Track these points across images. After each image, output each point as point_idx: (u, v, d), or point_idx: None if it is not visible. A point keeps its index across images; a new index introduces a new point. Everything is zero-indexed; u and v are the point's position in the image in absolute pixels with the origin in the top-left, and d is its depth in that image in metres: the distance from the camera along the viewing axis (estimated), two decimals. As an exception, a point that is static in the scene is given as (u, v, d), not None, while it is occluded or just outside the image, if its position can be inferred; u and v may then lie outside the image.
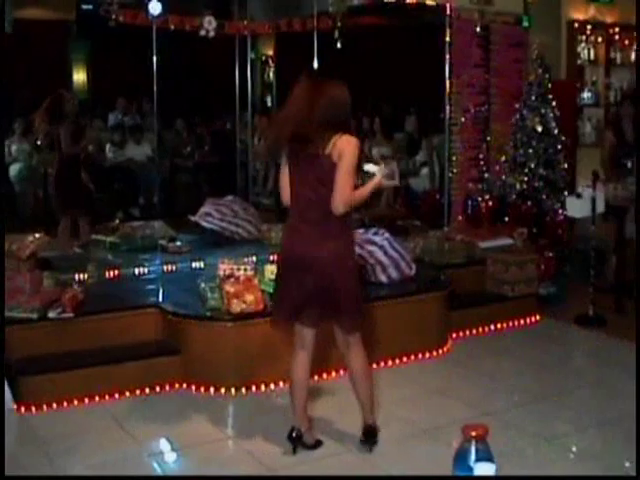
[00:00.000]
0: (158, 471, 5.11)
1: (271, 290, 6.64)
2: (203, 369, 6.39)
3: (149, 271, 7.94)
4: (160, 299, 7.01)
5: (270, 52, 14.51)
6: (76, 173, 9.09)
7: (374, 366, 6.42)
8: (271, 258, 7.83)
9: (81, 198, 9.14)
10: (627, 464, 5.07)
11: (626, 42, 11.99)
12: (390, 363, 6.87)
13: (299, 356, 5.28)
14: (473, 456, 2.31)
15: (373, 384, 5.41)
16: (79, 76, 15.86)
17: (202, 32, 10.05)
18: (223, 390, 6.28)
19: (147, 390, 6.27)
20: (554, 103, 9.56)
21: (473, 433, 2.32)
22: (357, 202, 5.07)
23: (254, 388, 6.33)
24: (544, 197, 9.34)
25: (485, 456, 2.31)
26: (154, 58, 8.19)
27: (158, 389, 6.32)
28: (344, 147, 4.84)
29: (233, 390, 6.29)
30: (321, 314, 5.11)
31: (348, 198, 4.86)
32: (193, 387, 6.35)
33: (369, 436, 5.25)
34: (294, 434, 5.19)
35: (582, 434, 5.65)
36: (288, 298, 5.12)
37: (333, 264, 4.96)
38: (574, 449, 5.45)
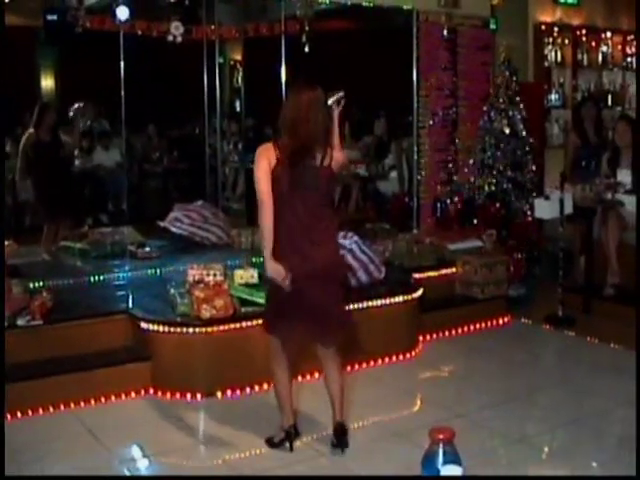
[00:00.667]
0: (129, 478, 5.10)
1: (243, 295, 6.69)
2: (173, 375, 6.38)
3: (118, 277, 7.90)
4: (130, 305, 6.97)
5: (238, 57, 14.48)
6: (62, 180, 9.09)
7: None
8: (237, 263, 7.86)
9: (67, 204, 9.14)
10: (594, 464, 5.12)
11: (592, 44, 12.09)
12: (361, 366, 6.88)
13: (285, 362, 5.31)
14: (441, 459, 2.32)
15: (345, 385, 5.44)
16: (47, 82, 15.76)
17: (169, 37, 10.03)
18: (193, 396, 6.27)
19: (117, 397, 6.25)
20: (522, 105, 9.60)
21: (440, 436, 2.33)
22: None
23: (225, 393, 6.32)
24: (513, 199, 9.38)
25: (452, 459, 2.32)
26: (121, 64, 8.16)
27: (128, 396, 6.29)
28: (343, 160, 5.25)
29: (204, 396, 6.28)
30: (313, 329, 5.23)
31: None
32: (163, 393, 6.33)
33: (340, 434, 5.27)
34: (292, 431, 5.31)
35: (552, 434, 5.68)
36: (292, 309, 5.15)
37: (339, 274, 5.38)
38: (545, 449, 5.48)
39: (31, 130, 8.98)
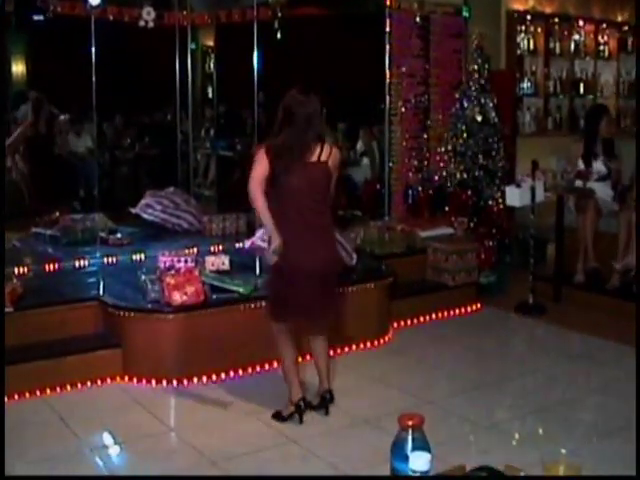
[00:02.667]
0: (100, 465, 5.08)
1: (214, 282, 6.70)
2: (144, 362, 6.37)
3: (89, 264, 7.86)
4: (100, 292, 6.93)
5: (211, 43, 14.45)
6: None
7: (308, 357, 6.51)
8: (212, 250, 7.86)
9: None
10: (563, 451, 5.14)
11: (565, 32, 12.11)
12: (332, 352, 6.88)
13: (291, 341, 5.62)
14: (410, 445, 2.33)
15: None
16: (17, 68, 15.67)
17: (141, 23, 9.99)
18: (164, 383, 6.27)
19: (88, 384, 6.23)
20: (493, 93, 9.61)
21: (409, 422, 2.33)
22: None
23: (195, 380, 6.31)
24: (484, 186, 9.39)
25: (421, 445, 2.33)
26: (92, 49, 8.11)
27: (99, 383, 6.28)
28: (339, 157, 5.58)
29: (174, 382, 6.27)
30: (311, 319, 5.65)
31: None
32: (134, 380, 6.33)
33: (327, 400, 5.69)
34: (302, 404, 5.56)
35: (522, 420, 5.72)
36: (297, 302, 5.46)
37: (338, 269, 5.75)
38: (515, 435, 5.50)
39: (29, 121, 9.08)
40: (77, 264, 7.82)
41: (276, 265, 5.43)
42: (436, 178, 9.77)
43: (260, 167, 5.29)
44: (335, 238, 5.89)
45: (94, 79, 8.18)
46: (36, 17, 9.67)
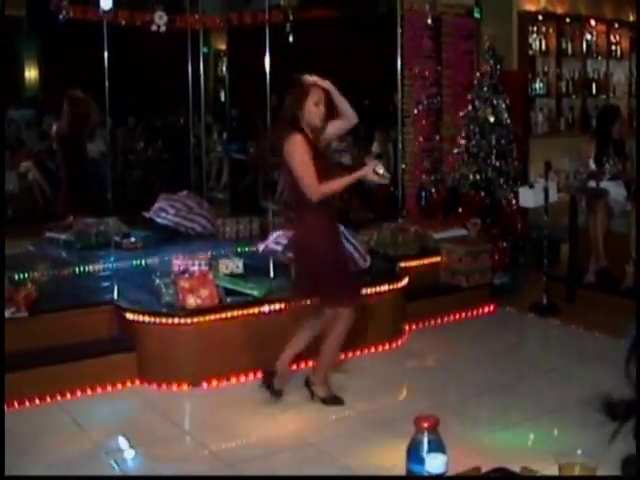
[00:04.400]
0: (116, 469, 5.09)
1: (228, 285, 6.73)
2: (159, 365, 6.39)
3: (103, 268, 7.87)
4: (115, 296, 6.95)
5: (223, 46, 14.47)
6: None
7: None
8: (222, 252, 7.87)
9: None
10: (579, 451, 5.13)
11: (577, 33, 12.09)
12: (347, 356, 6.89)
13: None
14: (425, 447, 2.33)
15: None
16: (30, 73, 15.75)
17: (153, 27, 9.99)
18: (179, 386, 6.28)
19: (103, 388, 6.24)
20: (506, 94, 9.60)
21: (425, 424, 2.34)
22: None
23: (210, 383, 6.32)
24: (497, 187, 9.38)
25: (437, 447, 2.33)
26: (105, 54, 8.12)
27: (114, 386, 6.29)
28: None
29: (189, 386, 6.29)
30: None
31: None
32: (149, 384, 6.34)
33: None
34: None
35: (537, 421, 5.70)
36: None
37: None
38: (530, 436, 5.51)
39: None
40: (91, 268, 7.85)
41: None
42: (449, 179, 9.76)
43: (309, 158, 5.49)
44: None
45: (107, 83, 8.18)
46: (49, 22, 9.69)
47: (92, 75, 8.66)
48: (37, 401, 5.97)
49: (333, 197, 5.80)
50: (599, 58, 12.47)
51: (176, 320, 6.37)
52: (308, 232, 5.70)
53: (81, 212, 9.22)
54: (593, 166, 8.88)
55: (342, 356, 6.55)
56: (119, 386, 6.31)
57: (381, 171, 5.40)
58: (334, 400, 5.88)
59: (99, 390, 6.22)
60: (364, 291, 6.66)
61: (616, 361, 6.29)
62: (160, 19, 10.04)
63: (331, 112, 5.66)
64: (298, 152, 5.46)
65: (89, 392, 6.17)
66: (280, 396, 5.90)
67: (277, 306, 6.58)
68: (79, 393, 6.14)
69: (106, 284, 7.34)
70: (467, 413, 5.79)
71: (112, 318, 6.71)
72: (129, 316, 6.51)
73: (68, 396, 6.09)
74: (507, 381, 6.48)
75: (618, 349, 6.74)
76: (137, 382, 6.37)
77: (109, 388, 6.26)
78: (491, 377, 6.56)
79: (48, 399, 6.01)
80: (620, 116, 9.30)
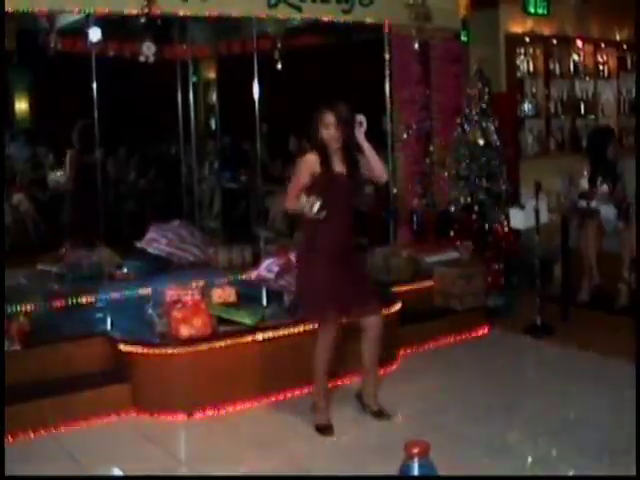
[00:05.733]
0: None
1: (221, 314, 6.73)
2: (153, 396, 6.37)
3: (96, 299, 7.85)
4: (108, 327, 6.95)
5: (212, 75, 14.50)
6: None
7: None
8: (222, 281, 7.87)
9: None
10: (574, 472, 5.15)
11: (564, 53, 12.14)
12: (340, 382, 6.87)
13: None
14: (416, 472, 2.33)
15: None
16: (21, 105, 15.79)
17: (142, 58, 9.99)
18: (174, 416, 6.26)
19: (98, 420, 6.22)
20: (495, 116, 9.63)
21: (415, 450, 2.34)
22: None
23: (205, 413, 6.31)
24: (488, 210, 9.39)
25: (428, 472, 2.33)
26: (94, 85, 8.15)
27: (109, 418, 6.27)
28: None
29: (184, 416, 6.27)
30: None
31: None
32: (144, 415, 6.33)
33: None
34: None
35: (534, 443, 5.69)
36: None
37: None
38: (528, 458, 5.49)
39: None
40: (84, 300, 7.82)
41: None
42: (440, 203, 9.78)
43: None
44: None
45: (96, 114, 8.20)
46: (38, 54, 9.70)
47: (82, 107, 8.70)
48: (31, 434, 5.95)
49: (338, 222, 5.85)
50: (587, 78, 12.51)
51: (169, 350, 6.36)
52: (299, 252, 6.13)
53: (76, 242, 9.24)
54: (586, 186, 8.91)
55: (338, 382, 6.57)
56: (114, 417, 6.29)
57: (310, 206, 5.53)
58: (324, 429, 5.89)
59: (94, 422, 6.19)
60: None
61: (612, 380, 6.31)
62: (148, 49, 10.03)
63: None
64: (299, 169, 5.85)
65: (84, 424, 6.14)
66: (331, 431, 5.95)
67: (270, 334, 6.59)
68: (73, 426, 6.11)
69: (99, 315, 7.33)
70: (463, 436, 5.77)
71: (106, 350, 6.69)
72: (122, 347, 6.50)
73: (63, 429, 6.06)
74: (503, 403, 6.47)
75: (613, 368, 6.79)
76: (132, 413, 6.36)
77: (104, 420, 6.24)
78: (487, 400, 6.54)
79: (42, 432, 5.99)
80: (614, 137, 9.35)
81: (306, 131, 6.01)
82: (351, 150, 5.87)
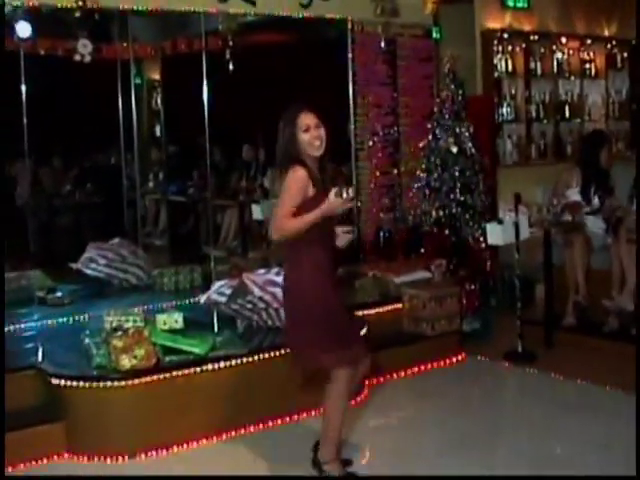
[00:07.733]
0: None
1: (166, 342, 6.68)
2: (91, 436, 6.31)
3: (25, 327, 7.80)
4: (39, 359, 6.89)
5: (157, 76, 14.45)
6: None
7: (279, 421, 6.70)
8: (164, 307, 7.84)
9: None
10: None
11: (546, 51, 12.19)
12: (300, 415, 6.84)
13: None
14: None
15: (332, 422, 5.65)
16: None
17: (77, 57, 9.94)
18: (115, 458, 6.20)
19: (27, 464, 6.14)
20: (470, 121, 9.65)
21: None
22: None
23: (149, 454, 6.26)
24: (463, 224, 9.41)
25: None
26: (23, 87, 8.09)
27: (40, 462, 6.20)
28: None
29: (126, 458, 6.21)
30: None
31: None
32: (80, 457, 6.25)
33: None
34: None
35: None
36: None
37: None
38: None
39: None
40: (11, 328, 7.73)
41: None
42: (410, 217, 9.79)
43: None
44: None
45: (25, 120, 8.14)
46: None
47: (8, 110, 8.63)
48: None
49: (330, 236, 5.57)
50: (572, 78, 12.63)
51: (109, 384, 6.30)
52: (297, 274, 5.51)
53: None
54: (578, 197, 8.94)
55: (295, 417, 6.55)
56: (45, 461, 6.21)
57: (344, 194, 5.33)
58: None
59: (21, 467, 6.11)
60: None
61: (600, 411, 6.33)
62: (84, 48, 9.98)
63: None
64: (293, 186, 5.29)
65: (10, 470, 6.02)
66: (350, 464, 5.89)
67: (222, 364, 6.55)
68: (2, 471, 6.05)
69: (29, 345, 7.27)
70: (441, 472, 5.76)
71: (36, 384, 6.62)
72: (55, 381, 6.43)
73: (-12, 474, 6.00)
74: (481, 437, 6.48)
75: (601, 398, 6.82)
76: (66, 455, 6.28)
77: (34, 463, 6.16)
78: (463, 433, 6.55)
79: (-36, 479, 5.92)
80: (608, 142, 9.39)
81: (271, 140, 5.68)
82: (325, 158, 5.52)
